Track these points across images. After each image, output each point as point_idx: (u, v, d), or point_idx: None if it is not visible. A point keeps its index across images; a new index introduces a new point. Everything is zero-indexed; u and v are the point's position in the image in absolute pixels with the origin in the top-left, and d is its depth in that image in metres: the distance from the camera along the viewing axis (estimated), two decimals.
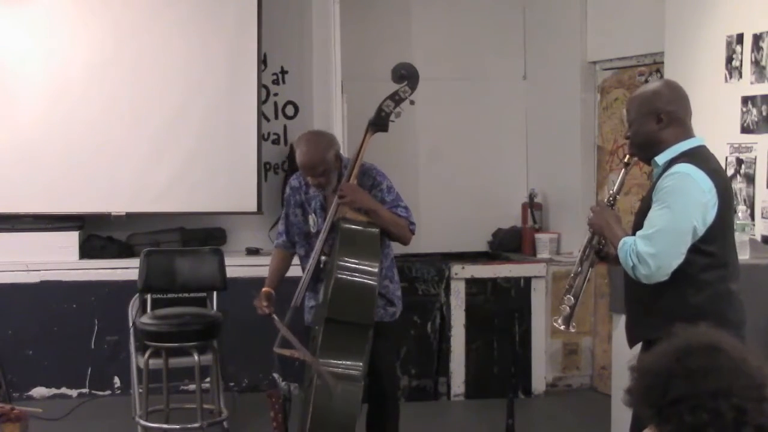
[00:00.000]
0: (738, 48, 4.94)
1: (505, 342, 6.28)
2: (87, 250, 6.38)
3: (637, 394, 1.82)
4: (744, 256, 4.23)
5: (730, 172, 4.86)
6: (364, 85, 6.38)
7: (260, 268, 6.21)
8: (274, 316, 4.27)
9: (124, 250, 6.43)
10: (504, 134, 7.15)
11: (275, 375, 4.11)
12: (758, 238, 4.73)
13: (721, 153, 4.81)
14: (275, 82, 6.79)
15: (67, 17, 6.30)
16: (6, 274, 6.12)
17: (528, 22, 7.13)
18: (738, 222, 4.19)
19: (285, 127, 6.83)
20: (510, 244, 6.90)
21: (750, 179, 4.85)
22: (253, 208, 6.47)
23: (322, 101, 6.62)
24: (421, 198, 6.70)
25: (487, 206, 7.04)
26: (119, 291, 5.92)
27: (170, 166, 6.38)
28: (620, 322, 3.52)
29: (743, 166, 4.89)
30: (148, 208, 6.39)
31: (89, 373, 6.22)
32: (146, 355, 5.11)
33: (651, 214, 3.17)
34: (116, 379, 6.23)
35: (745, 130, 4.89)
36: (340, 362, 3.96)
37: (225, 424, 5.33)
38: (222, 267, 5.49)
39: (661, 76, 5.66)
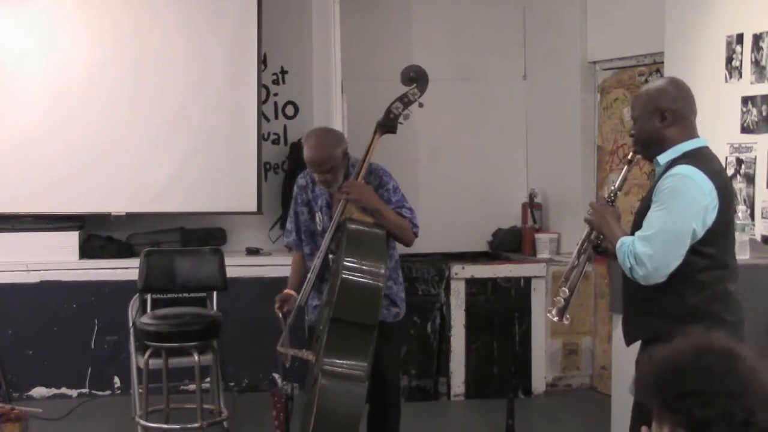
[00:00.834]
0: (738, 48, 4.94)
1: (505, 342, 6.28)
2: (87, 250, 6.38)
3: (646, 382, 1.83)
4: (744, 256, 4.23)
5: (730, 172, 4.85)
6: (364, 85, 6.39)
7: (260, 268, 6.25)
8: (280, 315, 4.27)
9: (124, 250, 6.43)
10: (504, 134, 7.14)
11: (275, 375, 4.11)
12: (758, 238, 4.73)
13: (721, 153, 4.80)
14: (275, 82, 6.79)
15: (67, 17, 6.30)
16: (6, 274, 6.12)
17: (528, 21, 7.12)
18: (738, 222, 4.18)
19: (285, 127, 6.83)
20: (510, 244, 6.90)
21: (750, 179, 4.85)
22: (253, 208, 6.48)
23: (322, 101, 6.62)
24: (421, 198, 6.69)
25: (487, 206, 7.04)
26: (119, 291, 5.93)
27: (170, 166, 6.38)
28: (620, 321, 3.52)
29: (743, 166, 4.89)
30: (148, 208, 6.39)
31: (89, 373, 6.22)
32: (146, 355, 5.11)
33: (650, 215, 3.16)
34: (116, 379, 6.23)
35: (745, 130, 4.89)
36: (344, 362, 3.96)
37: (225, 424, 5.32)
38: (222, 267, 5.49)
39: (661, 76, 5.66)
